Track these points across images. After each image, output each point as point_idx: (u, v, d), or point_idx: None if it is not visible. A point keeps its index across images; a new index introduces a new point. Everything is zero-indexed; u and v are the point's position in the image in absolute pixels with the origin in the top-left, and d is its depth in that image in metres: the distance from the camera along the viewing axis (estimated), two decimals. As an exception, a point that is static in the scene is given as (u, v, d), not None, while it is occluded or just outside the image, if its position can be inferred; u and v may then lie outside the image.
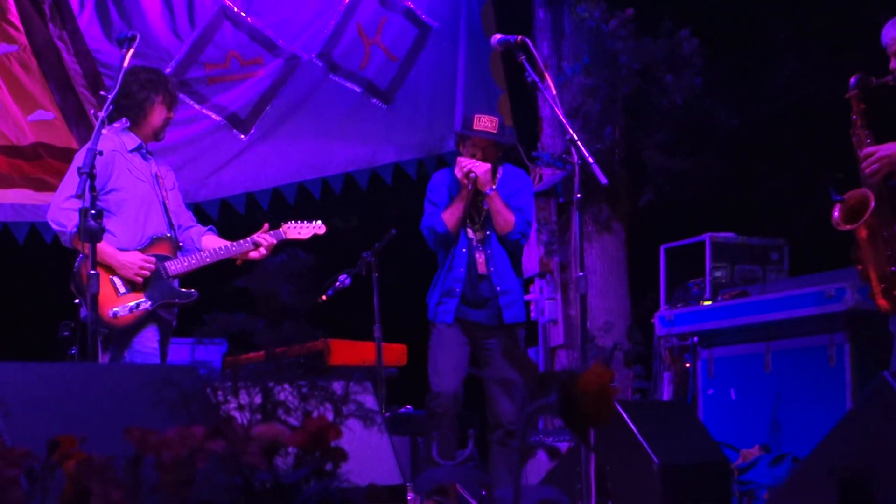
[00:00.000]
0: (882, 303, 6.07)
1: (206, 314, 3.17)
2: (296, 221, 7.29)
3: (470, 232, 7.31)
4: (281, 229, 7.14)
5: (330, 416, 2.95)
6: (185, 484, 2.38)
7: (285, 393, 2.81)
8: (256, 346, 3.21)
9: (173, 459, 2.37)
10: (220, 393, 2.80)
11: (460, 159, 7.22)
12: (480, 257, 7.29)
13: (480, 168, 7.10)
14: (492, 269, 7.27)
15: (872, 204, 5.92)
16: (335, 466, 2.55)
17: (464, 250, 7.28)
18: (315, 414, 2.75)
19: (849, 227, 6.01)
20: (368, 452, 4.53)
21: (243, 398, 2.81)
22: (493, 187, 7.18)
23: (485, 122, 7.18)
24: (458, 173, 7.17)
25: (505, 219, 7.19)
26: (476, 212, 7.31)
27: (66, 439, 2.55)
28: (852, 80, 6.05)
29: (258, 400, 2.77)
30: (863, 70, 6.11)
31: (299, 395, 2.75)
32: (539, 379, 2.04)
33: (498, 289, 7.24)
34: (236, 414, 2.82)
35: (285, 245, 6.97)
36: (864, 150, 5.96)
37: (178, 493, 2.37)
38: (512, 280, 7.32)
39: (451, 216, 7.23)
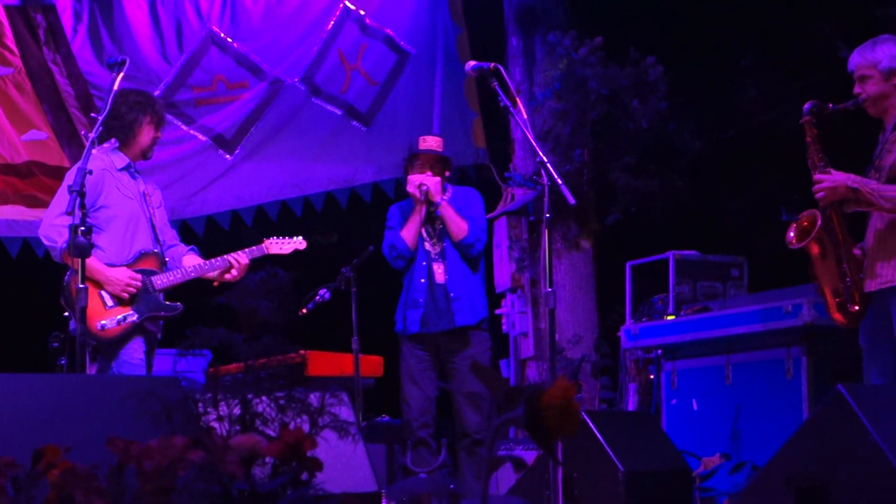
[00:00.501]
0: (837, 317, 6.10)
1: (188, 328, 3.15)
2: (278, 237, 7.29)
3: (427, 245, 7.44)
4: (263, 244, 7.14)
5: (307, 427, 2.94)
6: (165, 492, 2.35)
7: (263, 405, 2.79)
8: (238, 358, 3.20)
9: (154, 468, 2.34)
10: (200, 404, 2.78)
11: (411, 176, 7.39)
12: (438, 268, 7.42)
13: (430, 180, 7.28)
14: (448, 277, 7.38)
15: (819, 223, 5.98)
16: (310, 476, 2.53)
17: (423, 263, 7.45)
18: (292, 425, 2.73)
19: (800, 245, 6.06)
20: (344, 461, 4.51)
21: (223, 409, 2.79)
22: (445, 197, 7.33)
23: (430, 142, 7.50)
24: (411, 188, 7.33)
25: (458, 226, 7.36)
26: (431, 225, 7.44)
27: (50, 449, 2.52)
28: (806, 106, 6.11)
29: (238, 411, 2.75)
30: (819, 96, 6.17)
31: (277, 407, 2.73)
32: (506, 392, 2.02)
33: (451, 295, 7.33)
34: (216, 425, 2.80)
35: (264, 263, 6.94)
36: (816, 175, 6.00)
37: (159, 500, 2.34)
38: (464, 287, 7.41)
39: (408, 232, 7.41)
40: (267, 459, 2.61)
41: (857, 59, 6.04)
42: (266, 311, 2.95)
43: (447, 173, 7.54)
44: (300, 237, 7.39)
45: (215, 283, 6.93)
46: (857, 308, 6.03)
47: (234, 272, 6.91)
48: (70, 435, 2.87)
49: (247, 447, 2.51)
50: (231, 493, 2.46)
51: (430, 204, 7.35)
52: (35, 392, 3.25)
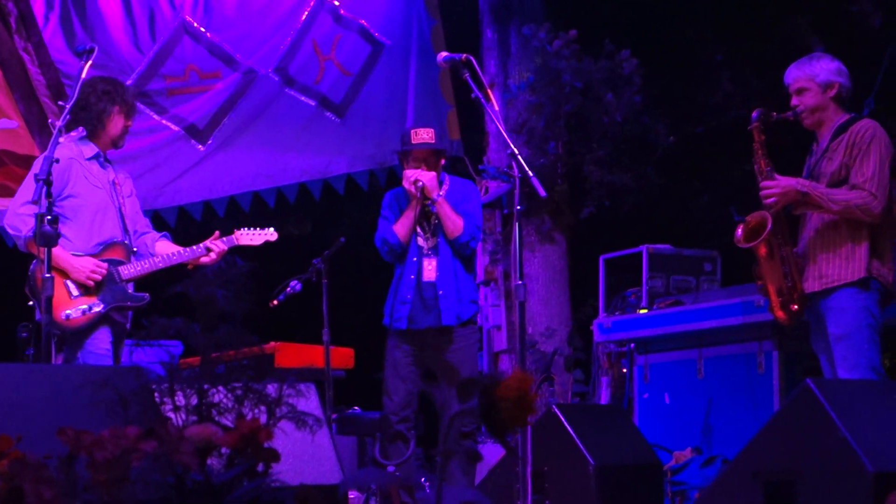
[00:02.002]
0: (780, 314, 6.38)
1: (143, 318, 3.12)
2: (248, 228, 7.22)
3: (420, 240, 7.33)
4: (233, 235, 7.07)
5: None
6: (117, 482, 2.32)
7: (219, 395, 2.75)
8: (200, 349, 3.15)
9: (105, 459, 2.31)
10: (157, 394, 2.74)
11: (406, 171, 7.24)
12: (429, 264, 7.31)
13: (426, 176, 7.14)
14: (438, 274, 7.29)
15: (769, 226, 6.21)
16: (266, 467, 2.50)
17: (414, 258, 7.30)
18: (250, 416, 2.70)
19: (748, 245, 6.31)
20: (310, 453, 4.48)
21: (180, 400, 2.75)
22: (441, 193, 7.21)
23: (422, 135, 7.26)
24: (406, 184, 7.18)
25: (454, 222, 7.23)
26: (426, 220, 7.32)
27: (1, 438, 2.48)
28: (754, 114, 6.39)
29: (195, 402, 2.72)
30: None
31: (234, 398, 2.70)
32: (462, 384, 1.99)
33: (440, 292, 7.25)
34: (172, 415, 2.77)
35: (233, 253, 6.90)
36: (763, 181, 6.26)
37: (111, 491, 2.31)
38: (454, 285, 7.30)
39: (401, 227, 7.27)
40: (223, 450, 2.57)
41: (796, 73, 6.35)
42: (223, 300, 2.91)
43: (443, 161, 7.44)
44: (271, 228, 7.32)
45: (190, 267, 6.84)
46: (796, 307, 6.29)
47: (211, 255, 6.83)
48: (26, 426, 2.83)
49: (202, 437, 2.47)
50: (185, 483, 2.42)
51: (426, 199, 7.25)
52: (-11, 382, 3.20)
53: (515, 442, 5.70)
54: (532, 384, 1.99)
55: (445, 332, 7.26)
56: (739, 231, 6.37)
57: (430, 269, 7.31)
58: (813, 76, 6.24)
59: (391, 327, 7.33)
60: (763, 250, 6.27)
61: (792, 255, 6.27)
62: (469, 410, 2.04)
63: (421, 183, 7.13)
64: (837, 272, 6.09)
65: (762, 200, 6.24)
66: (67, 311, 6.41)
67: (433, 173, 7.19)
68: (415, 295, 7.28)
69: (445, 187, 7.39)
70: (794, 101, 6.30)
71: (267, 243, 7.27)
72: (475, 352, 7.51)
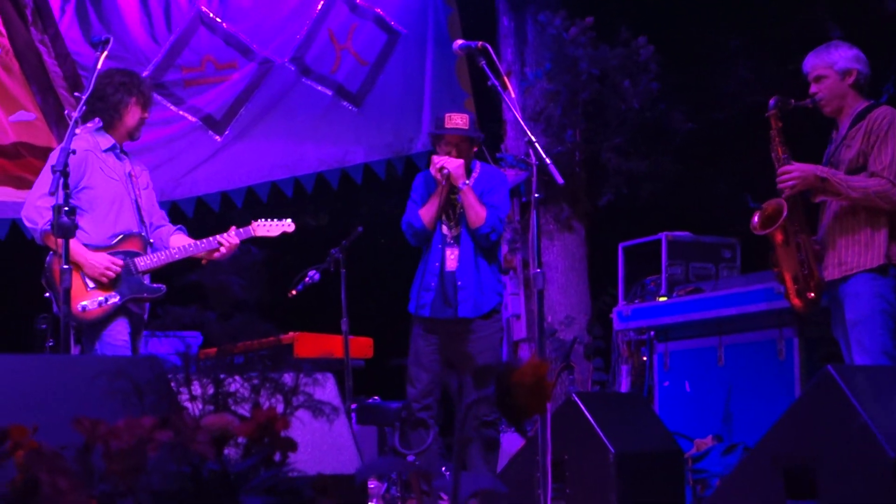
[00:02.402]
0: (796, 302, 6.41)
1: (159, 308, 3.12)
2: (265, 219, 7.22)
3: (444, 228, 7.32)
4: (250, 227, 7.07)
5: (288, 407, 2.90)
6: (133, 472, 2.31)
7: (236, 384, 2.75)
8: (217, 338, 3.15)
9: (121, 449, 2.30)
10: (174, 384, 2.74)
11: (434, 157, 7.24)
12: (451, 253, 7.30)
13: (452, 164, 7.12)
14: (459, 265, 7.27)
15: (785, 213, 6.22)
16: (283, 456, 2.49)
17: (438, 246, 7.30)
18: (266, 405, 2.69)
19: (764, 231, 6.33)
20: (328, 441, 4.48)
21: (196, 390, 2.75)
22: (466, 182, 7.19)
23: (456, 120, 7.24)
24: (433, 170, 7.18)
25: (476, 213, 7.20)
26: (451, 208, 7.32)
27: (16, 429, 2.48)
28: (771, 101, 6.40)
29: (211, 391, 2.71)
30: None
31: (251, 387, 2.69)
32: (477, 371, 1.98)
33: (459, 283, 7.23)
34: (188, 405, 2.76)
35: (245, 241, 6.91)
36: (780, 167, 6.26)
37: (127, 481, 2.31)
38: (474, 276, 7.29)
39: (426, 212, 7.28)
40: (240, 440, 2.57)
41: (814, 61, 6.38)
42: (238, 288, 2.91)
43: (475, 149, 7.41)
44: (289, 220, 7.31)
45: (203, 261, 6.85)
46: (812, 295, 6.31)
47: (222, 250, 6.85)
48: (42, 416, 2.83)
49: (218, 427, 2.47)
50: (202, 473, 2.42)
51: (453, 189, 7.22)
52: (5, 373, 3.20)
53: (535, 431, 5.69)
54: (548, 371, 1.98)
55: (463, 324, 7.25)
56: (756, 218, 6.37)
57: (451, 258, 7.31)
58: (831, 64, 6.26)
59: (416, 314, 7.34)
60: (779, 237, 6.28)
61: (808, 243, 6.27)
62: (485, 398, 2.03)
63: (446, 170, 7.11)
64: (856, 259, 6.10)
65: (779, 186, 6.24)
66: (84, 303, 6.42)
67: (461, 161, 7.17)
68: (438, 283, 7.28)
69: (475, 175, 7.36)
70: (813, 88, 6.31)
71: (284, 234, 7.27)
72: (496, 342, 7.48)
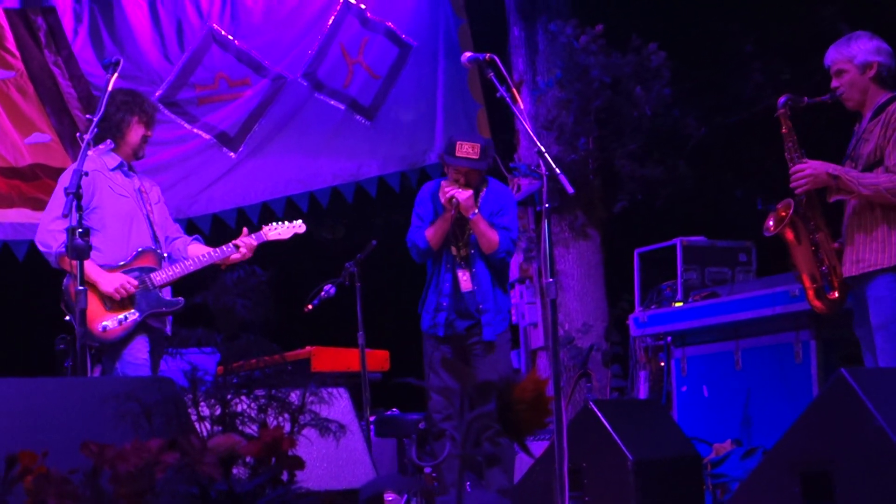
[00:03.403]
0: (816, 304, 6.32)
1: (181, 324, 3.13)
2: (276, 223, 7.25)
3: (454, 250, 7.30)
4: (262, 231, 7.13)
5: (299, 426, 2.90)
6: (141, 495, 2.32)
7: (243, 405, 2.75)
8: (237, 357, 3.16)
9: (128, 472, 2.31)
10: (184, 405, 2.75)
11: (443, 184, 7.21)
12: (463, 275, 7.29)
13: (462, 195, 7.09)
14: (475, 287, 7.27)
15: (791, 210, 6.16)
16: (291, 475, 2.49)
17: (447, 266, 7.28)
18: (273, 423, 2.70)
19: (775, 231, 6.24)
20: (344, 457, 4.48)
21: (204, 410, 2.76)
22: (476, 211, 7.16)
23: (466, 149, 7.16)
24: (442, 198, 7.16)
25: (489, 239, 7.19)
26: (460, 231, 7.29)
27: (26, 454, 2.49)
28: (781, 99, 6.30)
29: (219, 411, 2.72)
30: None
31: (257, 407, 2.70)
32: (478, 387, 1.99)
33: (480, 306, 7.23)
34: (197, 425, 2.77)
35: (246, 259, 6.93)
36: (793, 166, 6.17)
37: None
38: (492, 299, 7.30)
39: (433, 235, 7.26)
40: (248, 460, 2.57)
41: (834, 55, 6.23)
42: (243, 309, 2.91)
43: (489, 162, 7.38)
44: (299, 221, 7.36)
45: (223, 266, 6.87)
46: (836, 294, 6.21)
47: (242, 250, 6.88)
48: (53, 440, 2.84)
49: (225, 448, 2.47)
50: (210, 494, 2.42)
51: (462, 215, 7.21)
52: (13, 396, 3.21)
53: (552, 439, 5.68)
54: (546, 386, 1.98)
55: (486, 346, 7.26)
56: (770, 220, 6.29)
57: (465, 279, 7.29)
58: (851, 58, 6.13)
59: (429, 332, 7.33)
60: (789, 235, 6.21)
61: (827, 241, 6.20)
62: (487, 414, 2.04)
63: (456, 201, 7.09)
64: (873, 257, 5.98)
65: (791, 185, 6.16)
66: (104, 323, 6.45)
67: (470, 192, 7.14)
68: (451, 303, 7.27)
69: (483, 195, 7.34)
70: (834, 83, 6.21)
71: (296, 236, 7.28)
72: (509, 360, 7.51)
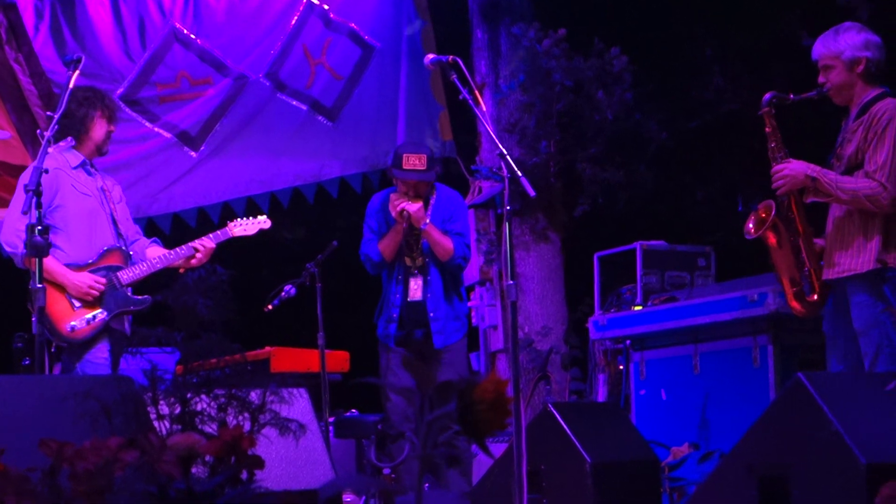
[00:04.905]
0: (795, 305, 6.21)
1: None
2: (241, 219, 7.24)
3: (408, 260, 7.29)
4: (227, 228, 7.13)
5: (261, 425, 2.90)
6: (99, 493, 2.31)
7: (202, 403, 2.75)
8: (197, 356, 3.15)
9: (87, 470, 2.30)
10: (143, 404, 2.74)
11: (392, 197, 7.20)
12: (414, 284, 7.28)
13: (412, 207, 7.09)
14: (428, 294, 7.26)
15: (773, 213, 6.05)
16: (250, 474, 2.49)
17: (399, 277, 7.27)
18: (233, 423, 2.69)
19: (756, 235, 6.13)
20: (303, 457, 4.48)
21: (164, 409, 2.75)
22: (427, 221, 7.15)
23: (413, 161, 7.15)
24: (392, 212, 7.14)
25: (444, 248, 7.19)
26: (414, 240, 7.28)
27: (-17, 452, 2.48)
28: (765, 97, 6.16)
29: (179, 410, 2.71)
30: (783, 84, 6.23)
31: (217, 406, 2.69)
32: (438, 388, 1.99)
33: (431, 315, 7.23)
34: (156, 424, 2.76)
35: (214, 250, 6.92)
36: (773, 167, 6.07)
37: (93, 502, 2.30)
38: (445, 306, 7.29)
39: (386, 247, 7.26)
40: (208, 458, 2.57)
41: (821, 50, 6.07)
42: (204, 308, 2.91)
43: (437, 170, 7.36)
44: (264, 216, 7.34)
45: (181, 270, 6.85)
46: (815, 297, 6.12)
47: (199, 256, 6.86)
48: (12, 437, 2.82)
49: (184, 446, 2.47)
50: (168, 493, 2.42)
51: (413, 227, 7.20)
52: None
53: (511, 441, 5.70)
54: (507, 387, 1.99)
55: (436, 353, 7.26)
56: (750, 223, 6.19)
57: (415, 288, 7.28)
58: (838, 53, 5.98)
59: (382, 342, 7.34)
60: (772, 239, 6.11)
61: (809, 242, 6.11)
62: (447, 414, 2.04)
63: (407, 213, 7.08)
64: (849, 262, 5.90)
65: (773, 185, 6.07)
66: (73, 323, 6.43)
67: (419, 204, 7.13)
68: (401, 313, 7.27)
69: (433, 202, 7.33)
70: (821, 78, 6.05)
71: (263, 236, 7.29)
72: (465, 365, 7.51)
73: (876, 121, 5.88)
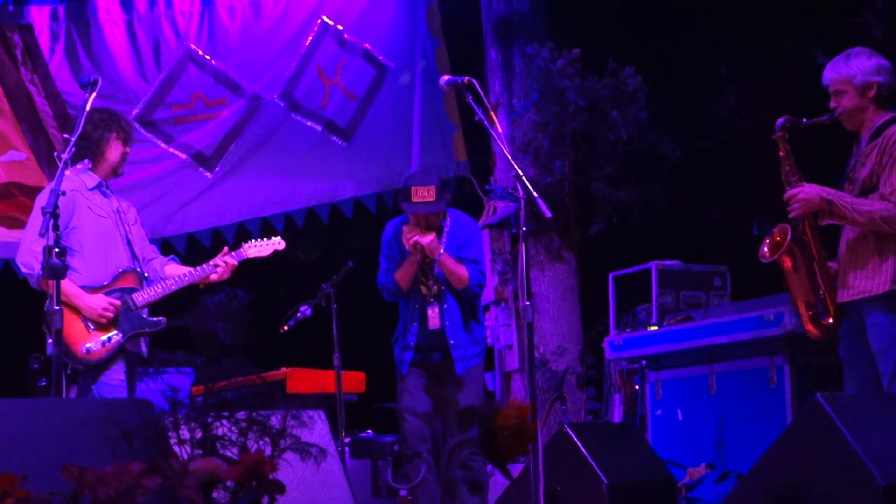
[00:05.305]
0: (811, 328, 6.16)
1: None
2: (255, 240, 7.23)
3: (423, 289, 7.26)
4: (241, 249, 7.10)
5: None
6: (121, 519, 2.32)
7: (223, 428, 2.75)
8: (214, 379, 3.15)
9: (108, 496, 2.31)
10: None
11: (405, 230, 7.13)
12: (432, 312, 7.23)
13: (425, 239, 7.03)
14: (447, 322, 7.22)
15: (789, 237, 6.03)
16: (272, 499, 2.49)
17: (416, 306, 7.24)
18: (254, 448, 2.70)
19: (772, 259, 6.10)
20: (320, 479, 4.48)
21: (185, 433, 2.75)
22: (441, 252, 7.12)
23: (422, 193, 7.03)
24: (406, 244, 7.11)
25: (458, 277, 7.15)
26: (428, 269, 7.24)
27: (5, 477, 2.48)
28: (779, 121, 6.14)
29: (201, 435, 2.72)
30: (797, 104, 6.20)
31: (238, 430, 2.70)
32: (460, 414, 1.99)
33: (451, 342, 7.19)
34: (177, 449, 2.77)
35: (223, 284, 6.92)
36: (787, 191, 6.05)
37: (115, 528, 2.31)
38: (463, 333, 7.26)
39: (402, 277, 7.21)
40: (228, 483, 2.57)
41: (832, 75, 6.07)
42: (224, 333, 2.91)
43: (447, 198, 7.31)
44: (278, 238, 7.32)
45: (201, 286, 6.86)
46: (830, 320, 6.09)
47: (220, 270, 6.85)
48: (33, 461, 2.83)
49: (206, 472, 2.47)
50: (190, 518, 2.42)
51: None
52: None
53: (528, 462, 5.69)
54: (530, 412, 1.99)
55: (457, 380, 7.24)
56: (765, 247, 6.16)
57: (433, 317, 7.24)
58: (850, 78, 5.97)
59: (398, 367, 7.33)
60: (787, 263, 6.08)
61: (824, 265, 6.09)
62: (469, 440, 2.04)
63: (420, 246, 7.05)
64: (864, 284, 5.88)
65: (787, 209, 6.03)
66: (88, 345, 6.43)
67: (432, 235, 7.06)
68: (418, 341, 7.24)
69: (447, 229, 7.28)
70: (833, 103, 6.05)
71: (276, 253, 7.28)
72: (482, 387, 7.49)
73: (891, 144, 5.86)
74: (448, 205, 7.31)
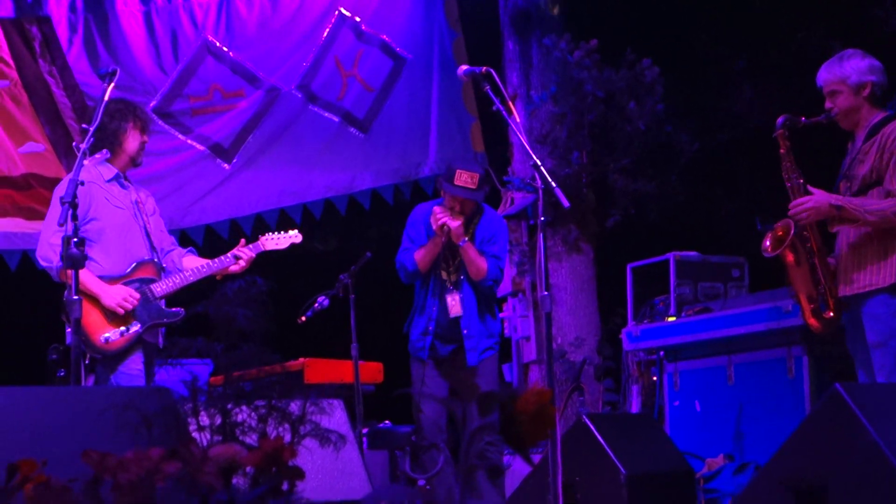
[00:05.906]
0: (812, 322, 6.26)
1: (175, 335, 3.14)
2: (273, 233, 7.24)
3: (443, 274, 7.29)
4: (259, 241, 7.11)
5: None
6: (142, 505, 2.32)
7: (243, 414, 2.75)
8: (232, 368, 3.15)
9: (129, 481, 2.31)
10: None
11: (436, 209, 7.19)
12: (451, 300, 7.27)
13: (454, 223, 7.08)
14: (463, 312, 7.25)
15: (792, 232, 6.09)
16: (291, 485, 2.49)
17: (436, 291, 7.27)
18: (273, 434, 2.70)
19: (774, 253, 6.19)
20: (339, 468, 4.48)
21: (204, 420, 2.75)
22: (466, 239, 7.14)
23: (465, 178, 7.12)
24: (434, 224, 7.14)
25: (477, 267, 7.18)
26: (451, 255, 7.28)
27: (26, 463, 2.48)
28: (778, 120, 6.24)
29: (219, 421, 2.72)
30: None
31: (258, 417, 2.69)
32: (481, 399, 1.99)
33: (465, 332, 7.22)
34: (197, 435, 2.77)
35: (244, 271, 6.92)
36: (794, 198, 6.12)
37: (135, 514, 2.31)
38: (478, 324, 7.28)
39: (422, 258, 7.25)
40: (248, 470, 2.57)
41: (826, 76, 6.19)
42: (244, 319, 2.91)
43: (486, 190, 7.34)
44: (295, 231, 7.33)
45: (219, 277, 6.87)
46: (831, 314, 6.18)
47: (241, 263, 6.88)
48: (52, 448, 2.83)
49: (225, 458, 2.47)
50: (210, 503, 2.42)
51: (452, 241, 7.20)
52: (14, 405, 3.20)
53: (546, 453, 5.68)
54: (550, 398, 1.98)
55: (469, 371, 7.25)
56: (767, 241, 6.24)
57: (454, 304, 7.28)
58: (844, 78, 6.08)
59: (415, 355, 7.34)
60: (790, 258, 6.16)
61: (825, 262, 6.15)
62: (489, 425, 2.04)
63: (447, 228, 7.09)
64: (868, 278, 5.96)
65: (793, 215, 6.09)
66: (106, 335, 6.44)
67: (461, 220, 7.13)
68: (437, 328, 7.27)
69: (477, 223, 7.34)
70: (828, 104, 6.16)
71: (293, 246, 7.28)
72: (496, 382, 7.50)
73: (890, 142, 5.95)
74: (484, 198, 7.37)
